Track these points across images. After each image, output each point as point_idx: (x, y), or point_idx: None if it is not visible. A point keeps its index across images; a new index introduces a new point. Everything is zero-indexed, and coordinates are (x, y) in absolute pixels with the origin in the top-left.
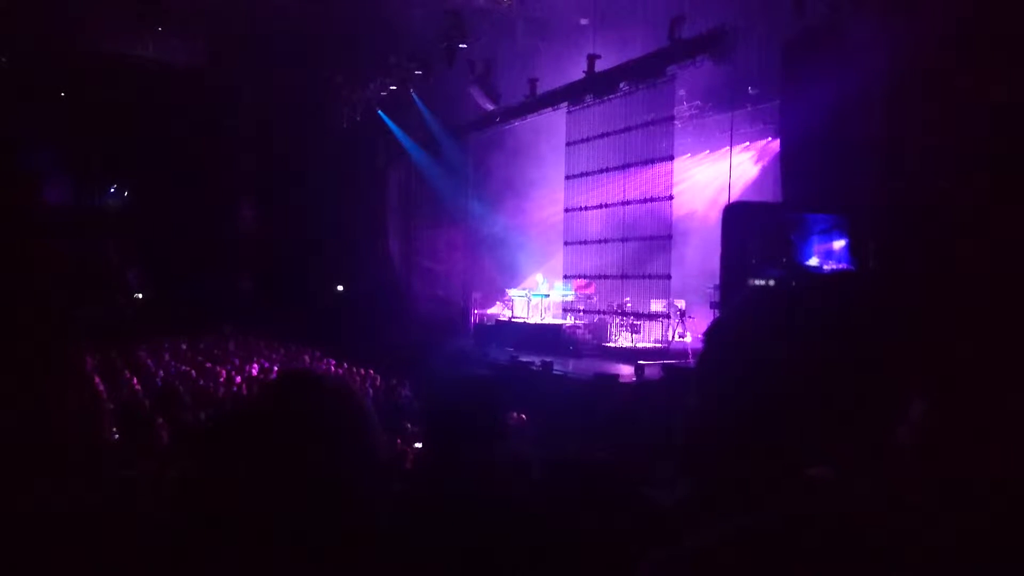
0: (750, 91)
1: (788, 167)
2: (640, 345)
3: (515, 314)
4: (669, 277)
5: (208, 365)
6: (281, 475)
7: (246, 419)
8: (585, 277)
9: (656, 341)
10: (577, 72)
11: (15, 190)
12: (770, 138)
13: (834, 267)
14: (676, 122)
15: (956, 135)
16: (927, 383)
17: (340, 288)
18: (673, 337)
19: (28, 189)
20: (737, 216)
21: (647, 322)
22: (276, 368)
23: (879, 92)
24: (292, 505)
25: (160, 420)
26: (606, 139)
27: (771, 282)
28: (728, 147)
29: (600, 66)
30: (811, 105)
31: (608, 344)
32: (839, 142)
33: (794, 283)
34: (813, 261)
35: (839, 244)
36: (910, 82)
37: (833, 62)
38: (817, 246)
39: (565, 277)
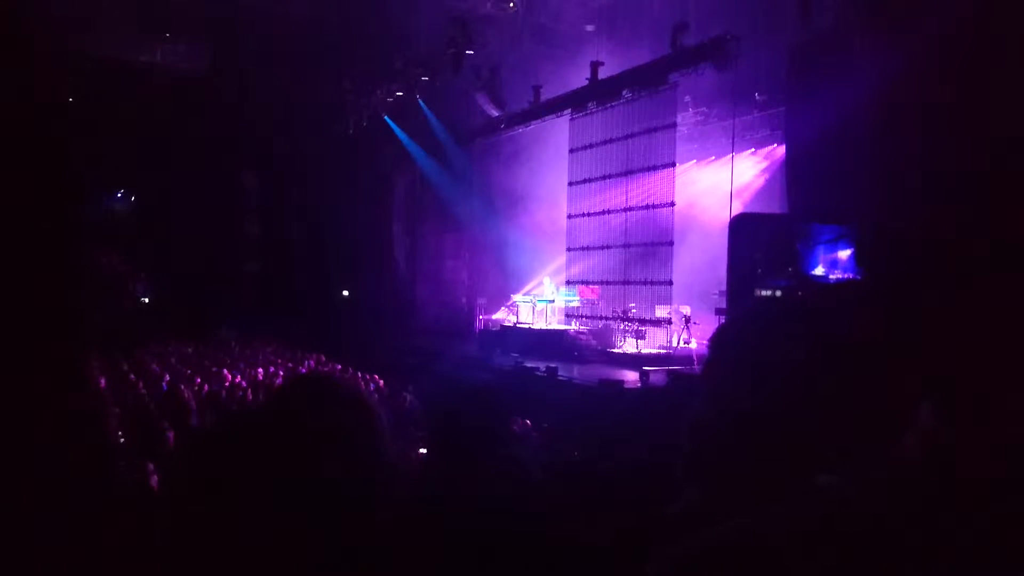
0: (757, 97)
1: (793, 175)
2: (645, 351)
3: (520, 320)
4: (671, 283)
5: (214, 369)
6: (288, 479)
7: (256, 423)
8: (588, 283)
9: (661, 347)
10: (581, 79)
11: (62, 194)
12: (776, 144)
13: (840, 277)
14: (682, 128)
15: (959, 143)
16: (933, 389)
17: (345, 293)
18: (678, 343)
19: (74, 193)
20: (744, 227)
21: (652, 328)
22: (281, 373)
23: (883, 101)
24: (299, 509)
25: (165, 424)
26: (609, 146)
27: (778, 292)
28: (732, 153)
29: (604, 73)
30: (816, 113)
31: (613, 350)
32: (844, 150)
33: (800, 292)
34: (819, 271)
35: (845, 254)
36: (914, 91)
37: (839, 71)
38: (823, 256)
39: (568, 283)
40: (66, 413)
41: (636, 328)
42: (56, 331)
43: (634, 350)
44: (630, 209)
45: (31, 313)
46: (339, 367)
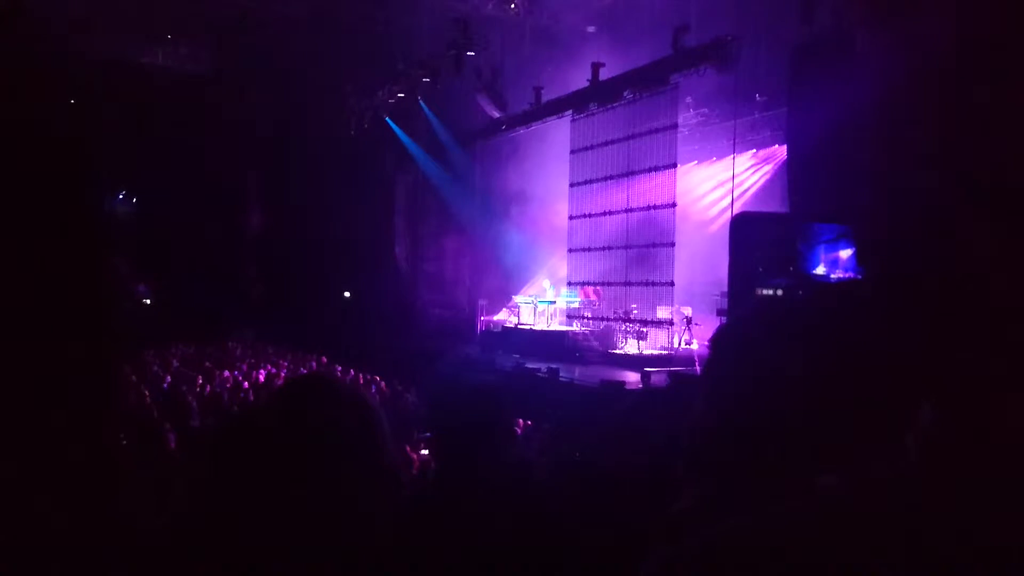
0: (758, 98)
1: (795, 175)
2: (646, 352)
3: (521, 321)
4: (672, 284)
5: (215, 371)
6: (289, 480)
7: (257, 424)
8: (590, 284)
9: (662, 348)
10: (582, 80)
11: (80, 195)
12: (777, 145)
13: (841, 276)
14: (683, 129)
15: (959, 146)
16: (935, 389)
17: (347, 294)
18: (679, 344)
19: (93, 194)
20: (744, 226)
21: (653, 329)
22: (283, 374)
23: (884, 102)
24: (300, 510)
25: (167, 425)
26: (610, 147)
27: (779, 291)
28: (733, 154)
29: (605, 74)
30: (818, 114)
31: (614, 351)
32: (845, 151)
33: (801, 291)
34: (820, 270)
35: (846, 253)
36: (915, 91)
37: (840, 71)
38: (824, 255)
39: (569, 284)
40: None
41: (637, 329)
42: (83, 331)
43: (635, 351)
44: (631, 210)
45: (55, 315)
46: (340, 368)
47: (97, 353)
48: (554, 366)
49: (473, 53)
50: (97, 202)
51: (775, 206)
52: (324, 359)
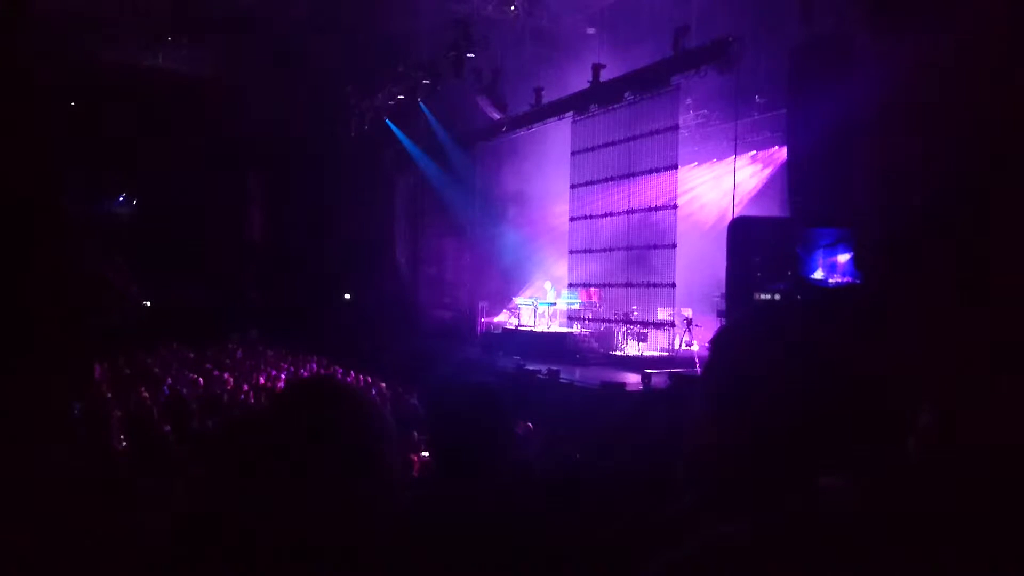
0: (757, 100)
1: (795, 176)
2: (647, 353)
3: (522, 322)
4: (673, 285)
5: (216, 373)
6: (290, 482)
7: (258, 425)
8: (590, 286)
9: (663, 349)
10: (583, 81)
11: (41, 190)
12: (777, 146)
13: (839, 280)
14: (683, 131)
15: (958, 147)
16: (934, 390)
17: (348, 297)
18: (680, 345)
19: (54, 190)
20: (742, 231)
21: (654, 330)
22: (283, 377)
23: (884, 102)
24: (301, 512)
25: (167, 428)
26: (611, 148)
27: (777, 296)
28: (734, 155)
29: (605, 75)
30: (818, 114)
31: (615, 352)
32: (845, 151)
33: (799, 296)
34: (818, 274)
35: (844, 258)
36: (915, 93)
37: (840, 71)
38: (823, 259)
39: (570, 285)
40: (69, 416)
41: (638, 331)
42: (57, 334)
43: (636, 352)
44: (632, 211)
45: (32, 316)
46: (341, 370)
47: (74, 350)
48: (555, 368)
49: (473, 55)
50: (64, 205)
51: (775, 207)
52: (325, 361)
